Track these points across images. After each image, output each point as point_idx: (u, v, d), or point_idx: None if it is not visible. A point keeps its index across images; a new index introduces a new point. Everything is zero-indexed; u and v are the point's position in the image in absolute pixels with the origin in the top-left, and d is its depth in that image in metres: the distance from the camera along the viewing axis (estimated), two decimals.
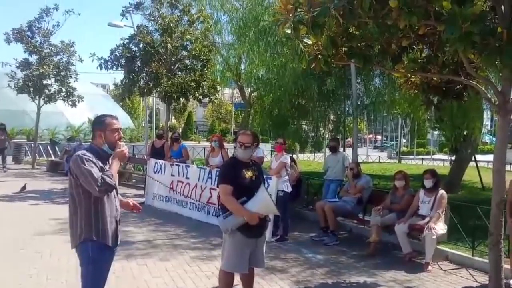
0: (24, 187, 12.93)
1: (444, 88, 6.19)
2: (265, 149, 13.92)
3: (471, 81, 5.52)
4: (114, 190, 3.64)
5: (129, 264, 6.35)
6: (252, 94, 20.95)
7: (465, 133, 12.88)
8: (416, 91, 6.37)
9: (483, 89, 5.53)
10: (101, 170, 3.48)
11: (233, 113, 53.58)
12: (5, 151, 18.88)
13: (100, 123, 3.66)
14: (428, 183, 7.15)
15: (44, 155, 22.91)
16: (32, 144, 21.97)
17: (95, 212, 3.51)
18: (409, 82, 6.15)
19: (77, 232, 3.52)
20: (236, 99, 49.29)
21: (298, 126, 17.53)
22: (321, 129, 19.31)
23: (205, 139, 40.59)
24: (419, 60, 5.50)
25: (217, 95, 17.12)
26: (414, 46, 5.53)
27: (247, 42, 16.04)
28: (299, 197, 9.76)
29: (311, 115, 17.03)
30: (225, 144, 10.89)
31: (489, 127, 41.33)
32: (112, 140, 3.62)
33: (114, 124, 3.67)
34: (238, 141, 4.69)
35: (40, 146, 22.67)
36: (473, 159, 14.48)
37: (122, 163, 3.81)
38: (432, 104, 6.76)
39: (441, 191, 7.11)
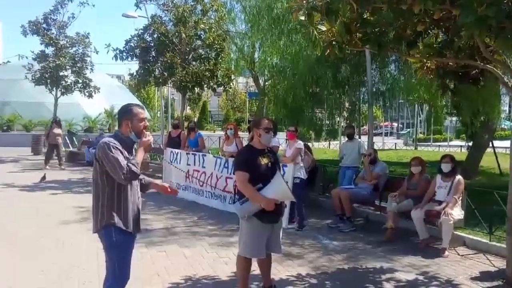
0: (43, 177, 13.19)
1: (460, 73, 6.14)
2: (280, 138, 13.93)
3: (487, 66, 5.47)
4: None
5: (148, 251, 6.47)
6: (266, 83, 20.93)
7: (482, 119, 12.75)
8: (432, 76, 6.34)
9: (500, 73, 5.47)
10: (126, 158, 3.55)
11: (247, 102, 53.58)
12: (59, 147, 17.50)
13: (127, 112, 3.70)
14: (446, 167, 7.12)
15: (62, 146, 23.21)
16: None
17: (118, 198, 3.59)
18: (425, 67, 6.12)
19: (98, 217, 3.59)
20: (250, 88, 49.32)
21: (313, 114, 17.48)
22: (336, 116, 19.21)
23: (220, 128, 40.77)
24: (435, 45, 5.46)
25: (231, 84, 17.17)
26: (429, 31, 5.48)
27: (261, 31, 16.02)
28: (315, 184, 9.79)
29: (326, 102, 16.95)
30: (239, 133, 10.95)
31: (507, 112, 40.74)
32: (139, 129, 3.68)
33: (141, 113, 3.72)
34: (264, 127, 4.70)
35: None
36: (490, 144, 14.34)
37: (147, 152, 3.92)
38: (448, 89, 6.72)
39: (458, 176, 7.08)
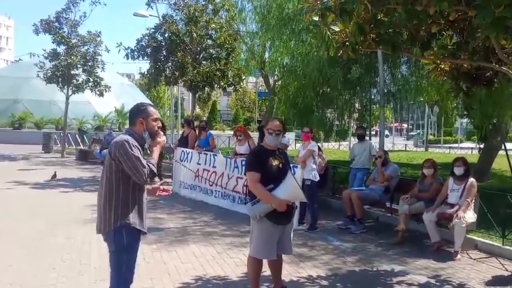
0: (54, 175, 13.28)
1: (474, 75, 6.09)
2: (289, 138, 13.88)
3: (502, 68, 5.41)
4: None
5: (159, 250, 6.48)
6: (277, 83, 20.91)
7: (494, 121, 12.63)
8: (445, 78, 6.29)
9: None
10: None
11: (257, 101, 53.56)
12: None
13: (142, 111, 3.66)
14: (459, 170, 7.05)
15: (72, 144, 23.38)
16: (61, 133, 22.43)
17: (133, 198, 3.53)
18: (438, 69, 6.07)
19: (111, 218, 3.49)
20: (260, 88, 49.32)
21: (323, 115, 17.41)
22: (346, 117, 19.14)
23: (230, 128, 40.80)
24: (449, 46, 5.41)
25: (241, 84, 17.17)
26: (443, 32, 5.44)
27: (271, 30, 15.99)
28: (325, 185, 9.75)
29: (336, 103, 16.88)
30: (250, 133, 10.93)
31: None
32: (153, 129, 3.65)
33: (155, 113, 3.72)
34: (268, 128, 4.70)
35: (69, 135, 23.11)
36: (503, 147, 14.18)
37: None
38: (462, 91, 6.65)
39: (471, 179, 7.01)
